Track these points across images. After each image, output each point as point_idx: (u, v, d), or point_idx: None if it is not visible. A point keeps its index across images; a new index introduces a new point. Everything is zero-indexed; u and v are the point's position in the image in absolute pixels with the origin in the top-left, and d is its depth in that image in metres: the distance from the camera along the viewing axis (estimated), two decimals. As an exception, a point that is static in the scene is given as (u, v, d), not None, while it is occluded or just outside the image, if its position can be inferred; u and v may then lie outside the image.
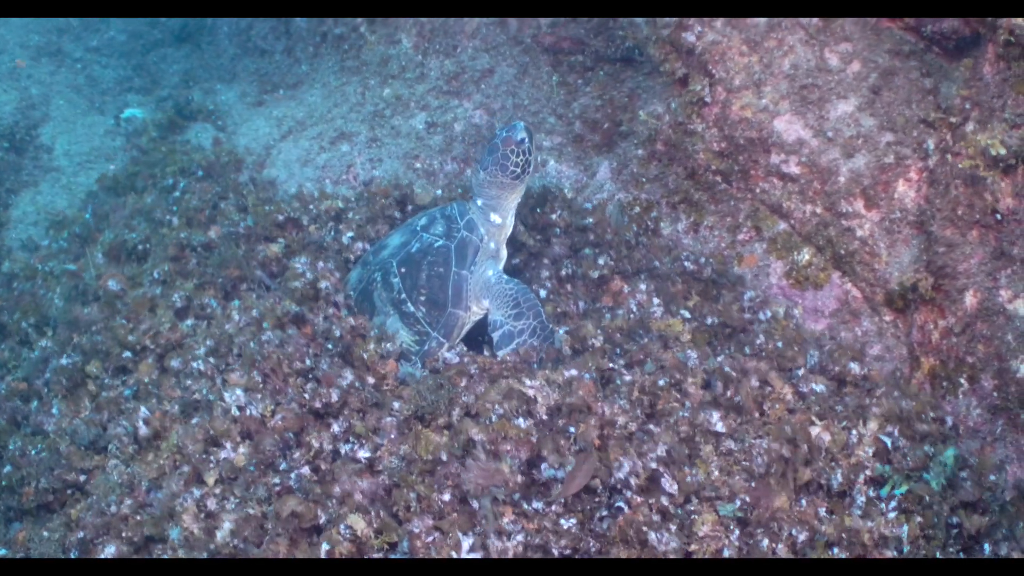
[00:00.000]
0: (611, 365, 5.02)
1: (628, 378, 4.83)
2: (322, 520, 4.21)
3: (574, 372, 4.74)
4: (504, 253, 6.02)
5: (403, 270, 5.74)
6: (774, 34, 6.01)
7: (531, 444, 4.26)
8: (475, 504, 4.14)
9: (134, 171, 8.28)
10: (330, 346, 5.20)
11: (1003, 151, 4.82)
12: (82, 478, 4.85)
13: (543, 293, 6.10)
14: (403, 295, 5.69)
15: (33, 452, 5.08)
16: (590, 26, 7.83)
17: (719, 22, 6.10)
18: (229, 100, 9.91)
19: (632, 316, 5.63)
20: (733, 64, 6.07)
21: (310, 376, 4.96)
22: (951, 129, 5.31)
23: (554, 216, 6.60)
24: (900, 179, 5.62)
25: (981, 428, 5.13)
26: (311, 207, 6.63)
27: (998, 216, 4.98)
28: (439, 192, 6.82)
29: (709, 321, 5.65)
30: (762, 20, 6.04)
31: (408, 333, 5.67)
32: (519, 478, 4.16)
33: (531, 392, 4.51)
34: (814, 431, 4.54)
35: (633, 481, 4.22)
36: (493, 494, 4.11)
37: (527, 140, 5.84)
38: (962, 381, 5.20)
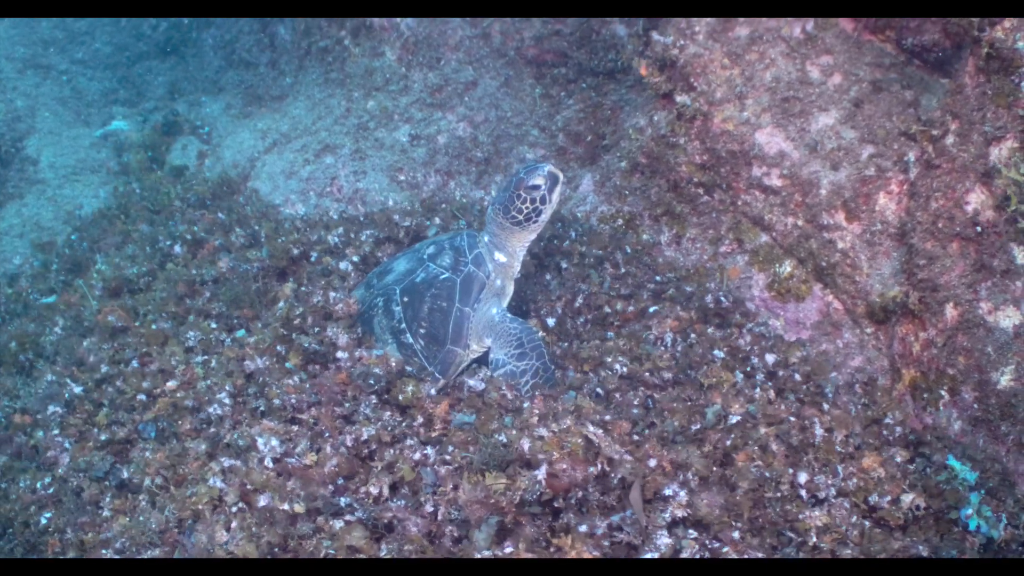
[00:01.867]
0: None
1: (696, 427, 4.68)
2: (383, 552, 4.06)
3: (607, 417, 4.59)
4: (511, 290, 5.70)
5: (406, 299, 5.49)
6: (756, 47, 6.02)
7: (586, 463, 4.15)
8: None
9: (125, 200, 8.24)
10: (371, 381, 4.99)
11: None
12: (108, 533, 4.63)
13: (552, 321, 5.95)
14: (403, 325, 5.46)
15: (39, 485, 4.94)
16: (573, 39, 7.85)
17: (701, 35, 6.12)
18: (214, 112, 9.90)
19: (676, 352, 5.39)
20: (715, 77, 6.09)
21: (350, 419, 4.80)
22: (932, 142, 5.32)
23: (566, 244, 6.54)
24: (881, 192, 5.63)
25: (962, 440, 5.14)
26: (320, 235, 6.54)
27: (978, 228, 4.99)
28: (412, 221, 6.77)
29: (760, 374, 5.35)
30: (744, 32, 6.05)
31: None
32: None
33: (595, 439, 4.30)
34: (907, 498, 4.55)
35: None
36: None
37: (542, 187, 5.37)
38: (943, 393, 5.21)
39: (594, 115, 7.48)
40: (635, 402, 4.96)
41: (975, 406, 5.06)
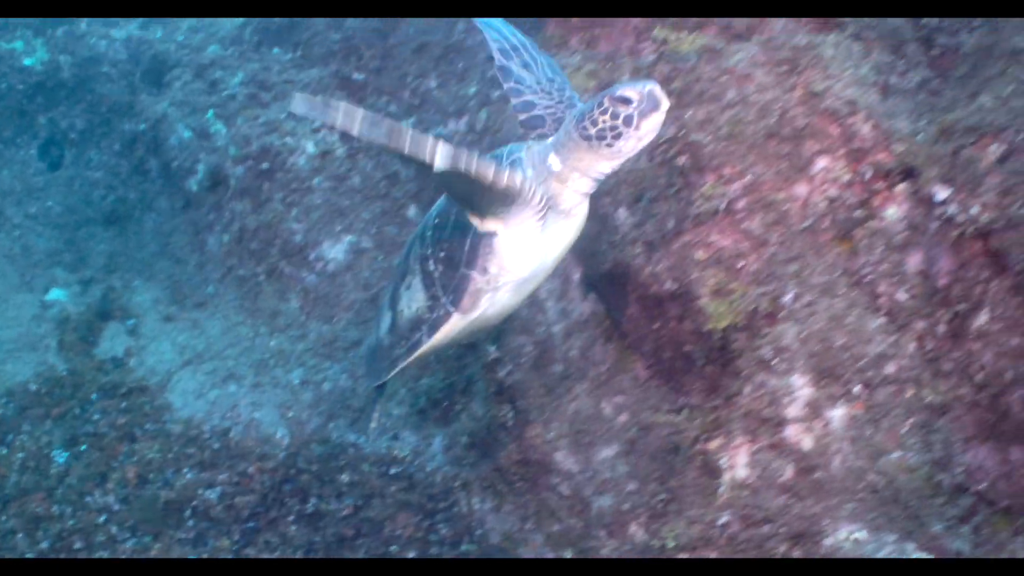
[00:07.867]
0: None
1: None
2: None
3: None
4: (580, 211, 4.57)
5: (437, 221, 4.92)
6: (565, 383, 7.87)
7: None
8: None
9: (53, 381, 9.73)
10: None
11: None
12: None
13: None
14: (430, 250, 4.90)
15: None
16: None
17: (527, 366, 7.97)
18: (144, 303, 11.17)
19: None
20: (532, 402, 7.91)
21: None
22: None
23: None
24: (633, 522, 7.45)
25: None
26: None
27: (687, 573, 6.86)
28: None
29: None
30: (559, 368, 7.89)
31: None
32: None
33: None
34: None
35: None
36: None
37: (633, 104, 4.02)
38: None
39: (452, 386, 9.26)
40: None
41: None
